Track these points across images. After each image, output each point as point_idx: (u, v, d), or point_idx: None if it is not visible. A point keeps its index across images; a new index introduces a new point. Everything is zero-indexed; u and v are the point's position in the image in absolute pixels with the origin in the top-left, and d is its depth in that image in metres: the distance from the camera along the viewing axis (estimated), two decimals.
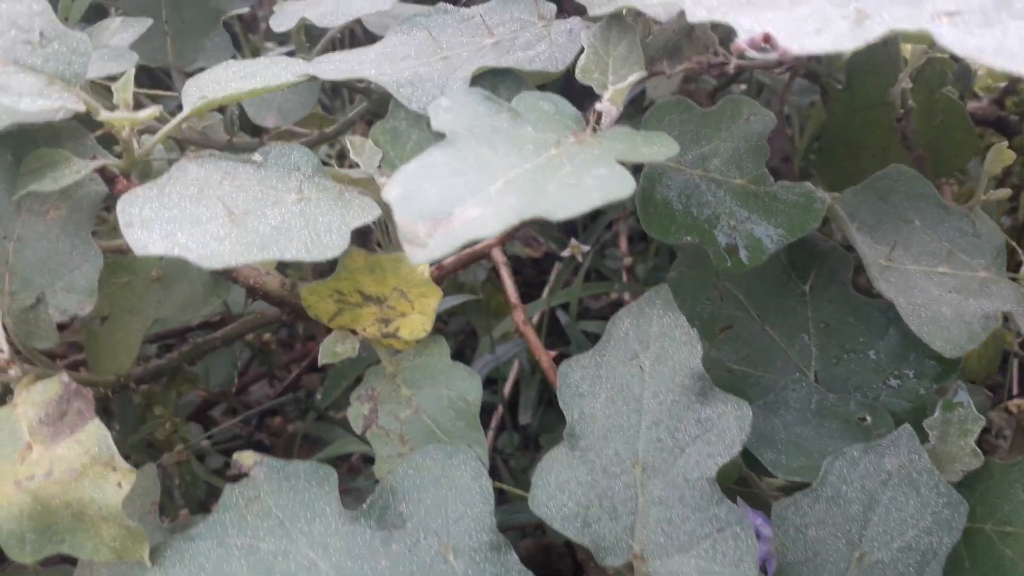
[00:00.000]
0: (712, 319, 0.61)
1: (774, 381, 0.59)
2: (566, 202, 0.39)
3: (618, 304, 1.20)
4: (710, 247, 0.53)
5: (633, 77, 0.48)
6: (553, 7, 0.57)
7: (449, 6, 0.58)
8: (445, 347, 0.54)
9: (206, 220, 0.46)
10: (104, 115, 0.48)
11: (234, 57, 0.78)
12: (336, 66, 0.54)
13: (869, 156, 0.86)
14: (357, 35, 0.95)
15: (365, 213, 0.50)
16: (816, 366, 0.59)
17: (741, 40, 0.38)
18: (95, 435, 0.48)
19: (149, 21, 0.61)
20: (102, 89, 0.66)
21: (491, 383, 1.07)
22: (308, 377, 1.09)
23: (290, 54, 1.14)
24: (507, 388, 1.09)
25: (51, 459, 0.48)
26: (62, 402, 0.50)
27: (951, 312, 0.55)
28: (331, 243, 0.47)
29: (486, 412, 1.03)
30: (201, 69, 0.74)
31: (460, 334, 1.22)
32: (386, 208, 0.56)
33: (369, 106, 0.75)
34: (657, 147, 0.45)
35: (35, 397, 0.50)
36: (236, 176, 0.49)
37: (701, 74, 0.79)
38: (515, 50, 0.54)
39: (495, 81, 0.54)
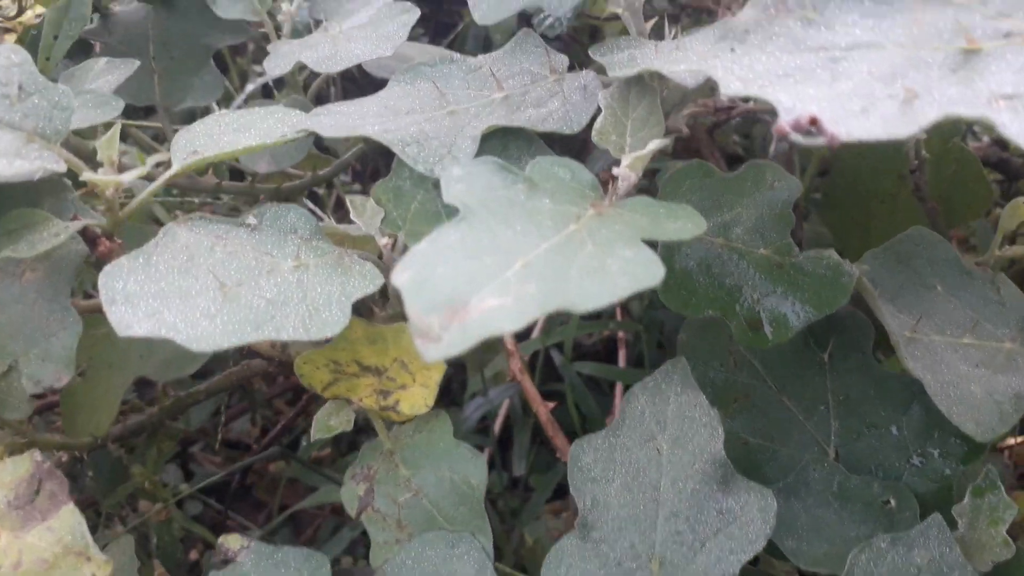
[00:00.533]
0: (726, 387, 0.58)
1: (791, 456, 0.56)
2: (591, 291, 0.36)
3: (611, 340, 1.17)
4: (732, 321, 0.50)
5: (653, 144, 0.45)
6: (565, 60, 0.54)
7: (455, 55, 0.55)
8: (448, 423, 0.50)
9: (196, 294, 0.42)
10: (87, 176, 0.44)
11: (225, 91, 0.75)
12: (336, 120, 0.50)
13: (878, 203, 0.83)
14: (352, 71, 0.92)
15: (367, 282, 0.46)
16: (836, 441, 0.56)
17: (784, 122, 0.35)
18: (68, 522, 0.44)
19: (136, 63, 0.57)
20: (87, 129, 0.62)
21: (480, 419, 1.04)
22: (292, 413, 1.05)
23: (278, 82, 1.10)
24: (498, 426, 1.05)
25: (20, 548, 0.44)
26: (33, 482, 0.46)
27: (981, 391, 0.52)
28: (330, 319, 0.44)
29: None
30: (190, 109, 0.71)
31: (448, 367, 1.18)
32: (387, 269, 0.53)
33: (365, 146, 0.71)
34: (682, 222, 0.42)
35: (4, 476, 0.46)
36: (229, 241, 0.46)
37: (705, 115, 0.76)
38: (526, 107, 0.51)
39: (505, 139, 0.51)
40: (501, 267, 0.37)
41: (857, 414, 0.57)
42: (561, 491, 0.98)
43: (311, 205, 0.91)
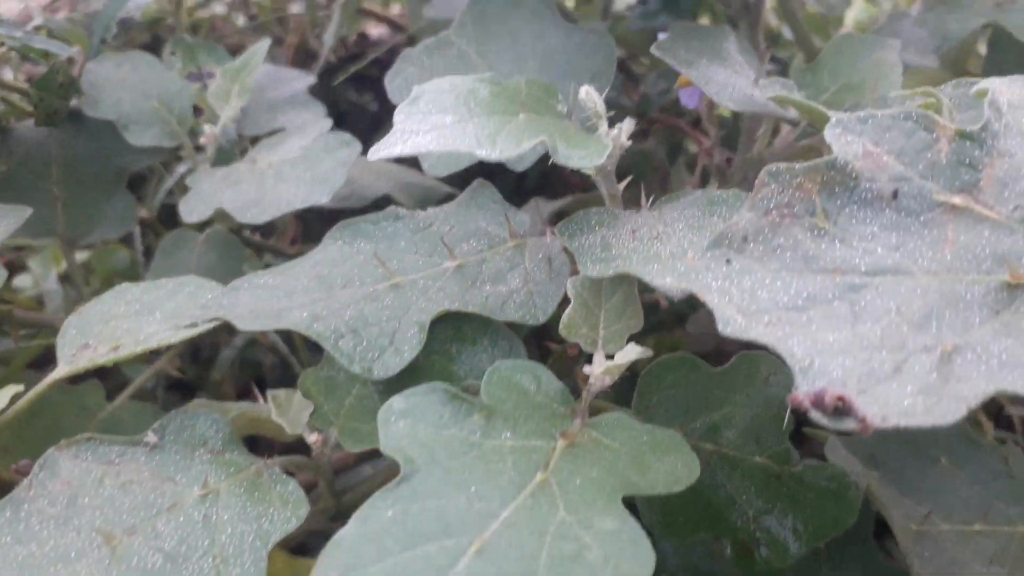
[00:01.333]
0: None
1: None
2: None
3: None
4: (724, 539, 0.43)
5: (632, 352, 0.39)
6: (526, 220, 0.47)
7: (401, 211, 0.47)
8: None
9: (76, 556, 0.34)
10: None
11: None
12: (257, 302, 0.42)
13: None
14: None
15: (288, 513, 0.39)
16: None
17: (802, 394, 0.28)
18: None
19: (27, 211, 0.49)
20: None
21: None
22: None
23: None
24: None
25: None
26: None
27: None
28: None
29: None
30: (97, 244, 0.62)
31: None
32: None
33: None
34: (671, 463, 0.35)
35: None
36: (123, 468, 0.38)
37: None
38: (483, 282, 0.44)
39: (459, 320, 0.44)
40: (450, 558, 0.30)
41: None
42: None
43: None
